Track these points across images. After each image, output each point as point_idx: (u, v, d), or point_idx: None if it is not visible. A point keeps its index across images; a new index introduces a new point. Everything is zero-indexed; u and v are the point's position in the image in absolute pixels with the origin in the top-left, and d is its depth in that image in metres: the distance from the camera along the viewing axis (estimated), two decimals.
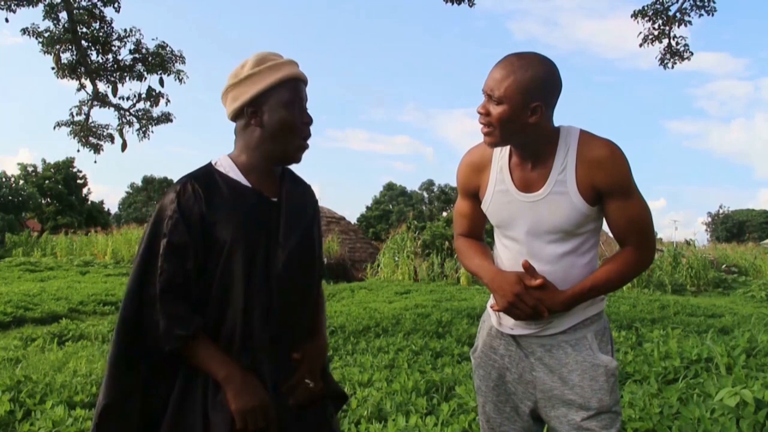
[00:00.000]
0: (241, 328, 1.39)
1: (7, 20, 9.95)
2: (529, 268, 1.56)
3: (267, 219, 1.45)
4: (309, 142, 1.52)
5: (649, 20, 9.88)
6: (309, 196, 1.63)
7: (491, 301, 1.77)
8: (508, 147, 1.63)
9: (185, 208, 1.38)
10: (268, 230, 1.44)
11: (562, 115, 1.64)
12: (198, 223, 1.37)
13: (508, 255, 1.65)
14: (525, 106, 1.49)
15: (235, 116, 1.49)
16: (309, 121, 1.50)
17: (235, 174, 1.46)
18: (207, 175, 1.45)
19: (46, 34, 10.54)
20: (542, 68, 1.51)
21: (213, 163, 1.50)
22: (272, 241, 1.44)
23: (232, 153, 1.51)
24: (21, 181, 37.33)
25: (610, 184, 1.53)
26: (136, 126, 12.31)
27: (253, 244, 1.41)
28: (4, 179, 32.72)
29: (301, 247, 1.50)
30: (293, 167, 1.60)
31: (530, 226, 1.59)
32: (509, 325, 1.67)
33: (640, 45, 9.97)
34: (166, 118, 12.33)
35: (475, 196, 1.73)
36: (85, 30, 10.84)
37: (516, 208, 1.60)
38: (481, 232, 1.83)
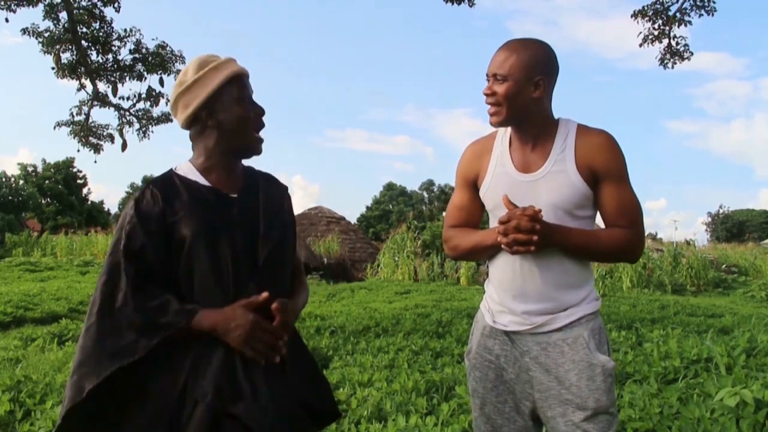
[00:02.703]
0: None
1: (7, 20, 9.91)
2: (507, 200, 1.55)
3: (226, 214, 1.50)
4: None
5: (649, 20, 9.85)
6: (282, 194, 1.65)
7: (484, 301, 1.78)
8: (509, 134, 1.69)
9: (144, 212, 1.44)
10: (229, 224, 1.48)
11: (562, 114, 1.70)
12: (158, 225, 1.44)
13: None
14: (529, 81, 1.58)
15: (190, 123, 1.53)
16: (261, 112, 1.56)
17: (194, 175, 1.53)
18: (166, 179, 1.52)
19: (46, 34, 10.50)
20: (541, 48, 1.62)
21: (174, 168, 1.56)
22: (236, 233, 1.48)
23: (192, 157, 1.57)
24: (21, 181, 37.41)
25: (607, 167, 1.58)
26: (136, 126, 12.25)
27: (214, 238, 1.45)
28: (4, 179, 32.78)
29: (277, 239, 1.53)
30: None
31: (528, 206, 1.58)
32: (503, 322, 1.67)
33: (640, 45, 9.96)
34: (166, 118, 12.29)
35: (474, 185, 1.75)
36: (85, 30, 10.81)
37: (515, 189, 1.62)
38: (476, 226, 1.82)
